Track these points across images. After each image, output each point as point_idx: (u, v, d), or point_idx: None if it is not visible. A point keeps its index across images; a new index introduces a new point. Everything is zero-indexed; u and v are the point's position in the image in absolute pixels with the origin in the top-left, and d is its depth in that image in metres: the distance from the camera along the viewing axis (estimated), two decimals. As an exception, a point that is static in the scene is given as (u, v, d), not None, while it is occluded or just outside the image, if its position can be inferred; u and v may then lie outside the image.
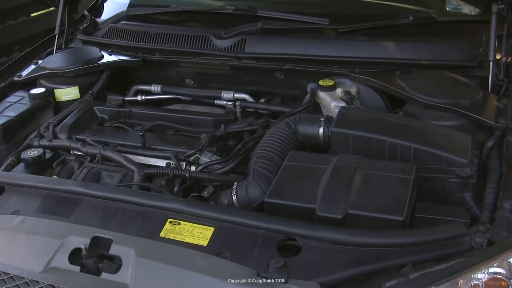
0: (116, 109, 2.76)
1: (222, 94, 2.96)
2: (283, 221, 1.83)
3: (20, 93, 2.95)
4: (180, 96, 3.12)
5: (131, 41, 3.14)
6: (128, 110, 2.75)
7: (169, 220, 1.91)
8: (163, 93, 3.12)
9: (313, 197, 1.90)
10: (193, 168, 2.32)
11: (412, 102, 2.41)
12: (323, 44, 2.78)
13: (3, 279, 1.86)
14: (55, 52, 3.27)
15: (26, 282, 1.82)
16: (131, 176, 2.28)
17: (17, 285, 1.82)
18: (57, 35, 3.33)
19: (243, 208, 2.11)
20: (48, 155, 2.48)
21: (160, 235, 1.86)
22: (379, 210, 1.82)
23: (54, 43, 3.30)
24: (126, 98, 3.14)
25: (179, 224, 1.90)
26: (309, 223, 1.82)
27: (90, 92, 2.90)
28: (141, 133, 2.44)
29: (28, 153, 2.42)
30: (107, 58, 3.12)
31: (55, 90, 2.95)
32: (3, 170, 2.41)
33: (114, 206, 1.99)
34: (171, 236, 1.85)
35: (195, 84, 3.10)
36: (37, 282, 1.79)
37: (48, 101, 2.89)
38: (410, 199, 1.87)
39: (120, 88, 3.25)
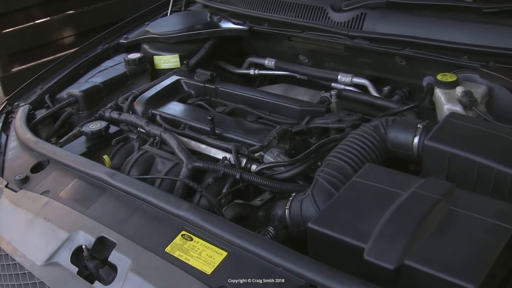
0: (203, 85, 2.42)
1: (339, 76, 2.51)
2: (308, 262, 1.40)
3: (120, 57, 2.74)
4: (295, 74, 2.70)
5: (243, 7, 2.77)
6: (214, 87, 2.40)
7: (182, 233, 1.60)
8: (276, 68, 2.76)
9: (367, 233, 1.41)
10: (254, 166, 1.92)
11: None
12: (456, 27, 2.14)
13: (10, 264, 1.81)
14: (169, 15, 3.01)
15: (25, 273, 1.74)
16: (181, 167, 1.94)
17: (18, 274, 1.77)
18: (172, -3, 3.07)
19: (295, 227, 1.71)
20: (114, 129, 2.23)
21: (165, 249, 1.56)
22: (445, 269, 1.27)
23: (169, 5, 3.03)
24: (238, 71, 2.84)
25: (191, 239, 1.57)
26: (338, 272, 1.35)
27: (185, 62, 2.59)
28: (209, 118, 2.08)
29: (90, 126, 2.20)
30: (214, 25, 2.77)
31: (154, 56, 2.71)
32: (65, 140, 2.23)
33: (136, 203, 1.72)
34: (176, 254, 1.55)
35: (309, 62, 2.65)
36: (34, 276, 1.71)
37: (143, 68, 2.66)
38: (498, 259, 1.29)
39: (237, 59, 2.91)
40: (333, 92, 2.21)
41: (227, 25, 2.77)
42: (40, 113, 2.49)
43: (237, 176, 1.84)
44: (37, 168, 2.05)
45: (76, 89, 2.51)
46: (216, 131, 2.12)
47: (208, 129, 2.11)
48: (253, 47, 2.84)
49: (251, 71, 2.80)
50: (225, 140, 2.09)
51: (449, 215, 1.41)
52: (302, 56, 2.65)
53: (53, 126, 2.48)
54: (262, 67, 2.80)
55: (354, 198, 1.54)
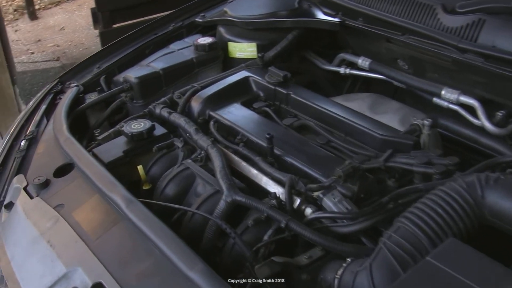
0: (273, 87, 2.02)
1: (443, 91, 2.02)
2: None
3: (193, 38, 2.38)
4: (391, 80, 2.24)
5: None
6: (286, 92, 1.99)
7: (189, 301, 1.22)
8: (370, 70, 2.29)
9: None
10: (309, 210, 1.51)
11: None
12: None
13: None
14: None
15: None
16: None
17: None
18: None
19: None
20: (159, 131, 1.89)
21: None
22: None
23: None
24: (327, 67, 2.41)
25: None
26: None
27: (260, 55, 2.19)
28: (268, 136, 1.69)
29: (132, 125, 1.87)
30: (302, 13, 2.33)
31: (228, 43, 2.33)
32: (104, 138, 1.93)
33: (147, 245, 1.41)
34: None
35: (409, 69, 2.16)
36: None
37: (214, 55, 2.29)
38: None
39: (330, 51, 2.47)
40: (426, 122, 1.72)
41: (317, 14, 2.32)
42: (91, 98, 2.20)
43: (282, 224, 1.45)
44: (60, 171, 1.76)
45: (132, 74, 2.19)
46: (276, 151, 1.72)
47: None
48: (347, 41, 2.38)
49: (342, 69, 2.35)
50: (283, 164, 1.70)
51: None
52: (402, 61, 2.16)
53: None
54: (355, 66, 2.34)
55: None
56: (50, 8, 7.06)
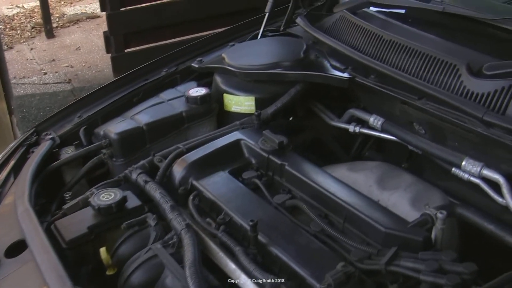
0: (266, 155, 1.76)
1: (464, 162, 1.74)
2: None
3: (185, 87, 2.14)
4: (407, 144, 1.96)
5: (349, 43, 2.04)
6: (280, 163, 1.72)
7: None
8: (383, 130, 2.01)
9: None
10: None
11: None
12: None
13: None
14: (260, 37, 2.34)
15: None
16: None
17: None
18: (267, 13, 2.36)
19: None
20: (132, 203, 1.65)
21: None
22: None
23: (262, 24, 2.35)
24: (335, 123, 2.14)
25: None
26: None
27: (256, 113, 1.93)
28: (251, 222, 1.43)
29: (101, 196, 1.63)
30: (308, 64, 2.08)
31: (224, 95, 2.08)
32: (71, 207, 1.69)
33: None
34: None
35: (427, 134, 1.88)
36: None
37: (206, 109, 2.05)
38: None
39: (339, 104, 2.20)
40: (440, 215, 1.44)
41: (324, 67, 2.06)
42: (67, 153, 1.97)
43: None
44: (13, 249, 1.52)
45: (112, 129, 1.95)
46: (261, 239, 1.47)
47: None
48: (358, 96, 2.11)
49: (351, 127, 2.08)
50: (268, 256, 1.45)
51: None
52: (418, 125, 1.89)
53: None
54: (366, 123, 2.07)
55: None
56: (68, 26, 6.91)
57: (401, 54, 1.90)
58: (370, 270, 1.36)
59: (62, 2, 7.66)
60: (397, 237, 1.43)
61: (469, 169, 1.73)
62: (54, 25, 6.79)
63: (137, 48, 5.03)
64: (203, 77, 2.26)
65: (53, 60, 5.98)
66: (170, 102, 2.07)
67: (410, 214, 1.63)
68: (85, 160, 1.99)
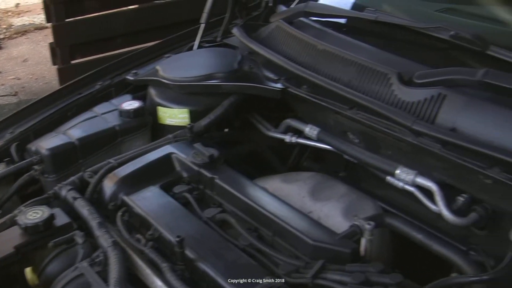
0: (197, 169, 1.74)
1: (397, 171, 1.74)
2: None
3: (119, 101, 2.11)
4: (342, 154, 1.97)
5: (282, 53, 2.04)
6: (210, 176, 1.71)
7: None
8: (318, 140, 2.01)
9: None
10: None
11: None
12: None
13: None
14: (196, 48, 2.33)
15: None
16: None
17: None
18: (203, 24, 2.35)
19: None
20: (61, 220, 1.61)
21: None
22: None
23: (198, 34, 2.34)
24: (271, 134, 2.13)
25: None
26: None
27: (189, 126, 1.91)
28: (177, 239, 1.42)
29: (28, 214, 1.58)
30: (242, 75, 2.07)
31: (158, 107, 2.05)
32: (-3, 226, 1.64)
33: None
34: None
35: (361, 143, 1.89)
36: None
37: (140, 122, 2.03)
38: None
39: (278, 114, 2.20)
40: (367, 226, 1.45)
41: (258, 78, 2.05)
42: (-4, 170, 1.92)
43: None
44: None
45: (44, 144, 1.91)
46: (188, 254, 1.45)
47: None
48: (292, 106, 2.11)
49: (288, 138, 2.08)
50: (196, 272, 1.43)
51: None
52: (352, 135, 1.90)
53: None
54: (301, 134, 2.07)
55: None
56: (16, 37, 6.77)
57: (334, 63, 1.91)
58: (297, 284, 1.36)
59: (10, 13, 7.49)
60: (325, 249, 1.43)
61: (403, 177, 1.74)
62: (1, 36, 6.64)
63: (84, 59, 4.96)
64: (138, 90, 2.23)
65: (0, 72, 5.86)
66: (104, 116, 2.04)
67: (343, 225, 1.63)
68: (17, 177, 1.95)
